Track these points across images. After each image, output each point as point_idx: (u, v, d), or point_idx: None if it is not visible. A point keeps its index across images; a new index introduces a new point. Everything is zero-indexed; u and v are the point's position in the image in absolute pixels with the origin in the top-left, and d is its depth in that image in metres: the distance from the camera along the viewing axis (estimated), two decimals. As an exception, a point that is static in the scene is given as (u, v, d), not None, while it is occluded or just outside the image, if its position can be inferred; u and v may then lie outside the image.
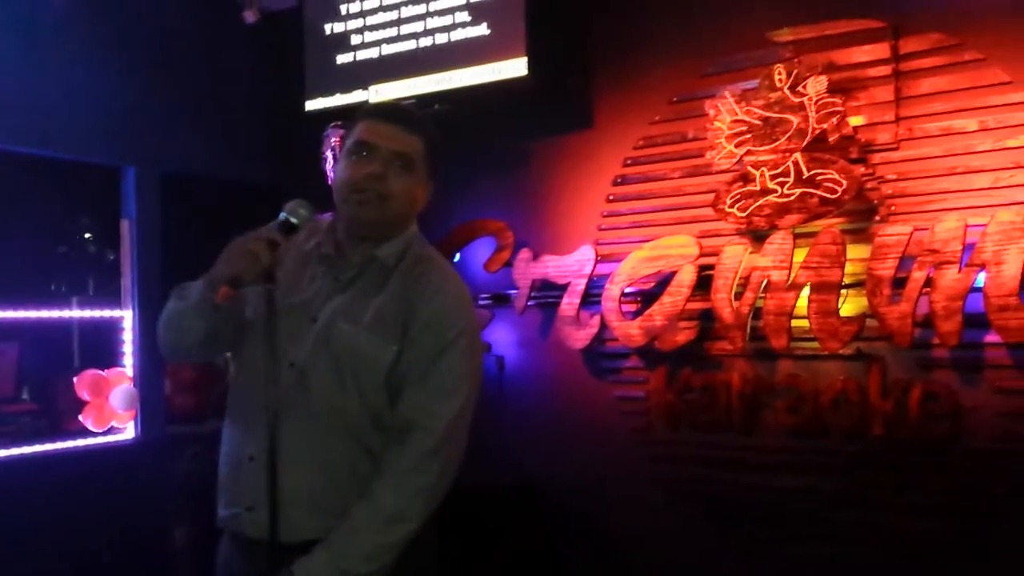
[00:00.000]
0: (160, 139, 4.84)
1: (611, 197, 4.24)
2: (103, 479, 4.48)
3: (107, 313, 4.75)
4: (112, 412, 4.56)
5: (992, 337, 3.25)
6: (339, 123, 4.50)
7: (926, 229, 3.34)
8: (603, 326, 4.11)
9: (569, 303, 4.20)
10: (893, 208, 3.52)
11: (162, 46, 4.89)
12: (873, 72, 3.57)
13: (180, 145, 4.94)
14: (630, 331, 4.01)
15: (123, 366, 4.71)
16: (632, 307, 4.08)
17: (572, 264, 4.21)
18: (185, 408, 5.13)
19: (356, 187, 2.03)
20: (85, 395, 4.50)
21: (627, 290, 4.05)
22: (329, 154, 4.48)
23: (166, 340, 2.16)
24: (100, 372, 4.56)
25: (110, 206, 4.85)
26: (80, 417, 4.50)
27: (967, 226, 3.26)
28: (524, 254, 4.37)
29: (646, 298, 4.03)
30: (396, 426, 2.02)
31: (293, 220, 2.02)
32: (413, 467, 1.98)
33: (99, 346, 4.82)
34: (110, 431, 4.61)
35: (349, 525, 1.96)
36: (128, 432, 4.71)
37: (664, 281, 3.95)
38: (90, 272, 5.26)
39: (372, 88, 4.64)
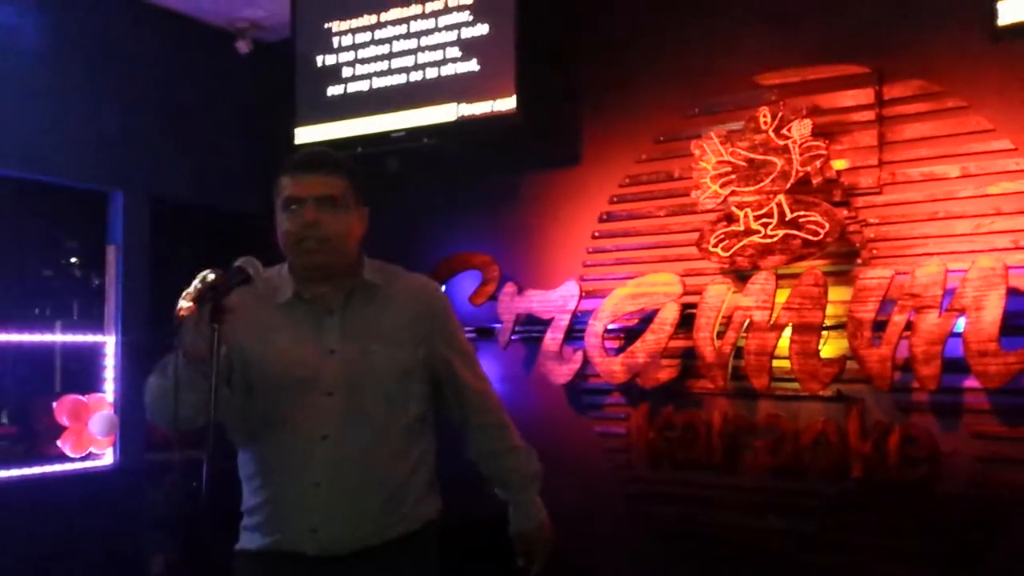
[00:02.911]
0: (148, 165, 4.86)
1: (596, 234, 4.26)
2: (81, 505, 4.45)
3: (90, 338, 4.73)
4: (91, 438, 4.54)
5: (971, 382, 3.27)
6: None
7: (907, 273, 3.37)
8: (586, 362, 4.12)
9: (553, 338, 4.21)
10: (875, 251, 3.55)
11: (154, 73, 4.93)
12: (857, 117, 3.62)
13: (168, 171, 4.95)
14: (613, 367, 4.02)
15: (104, 391, 4.69)
16: (615, 344, 4.10)
17: (556, 299, 4.23)
18: (167, 435, 5.10)
19: (296, 238, 2.21)
20: (64, 420, 4.48)
21: (610, 326, 4.07)
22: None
23: (163, 417, 2.17)
24: (80, 397, 4.54)
25: (96, 231, 4.85)
26: (59, 442, 4.48)
27: (948, 271, 3.29)
28: (509, 288, 4.38)
29: (629, 335, 4.04)
30: (479, 397, 2.45)
31: (248, 269, 2.11)
32: (499, 416, 2.49)
33: (81, 371, 4.80)
34: (88, 457, 4.58)
35: (520, 475, 2.48)
36: (107, 458, 4.69)
37: (647, 318, 3.96)
38: (75, 296, 5.26)
39: (361, 120, 4.66)
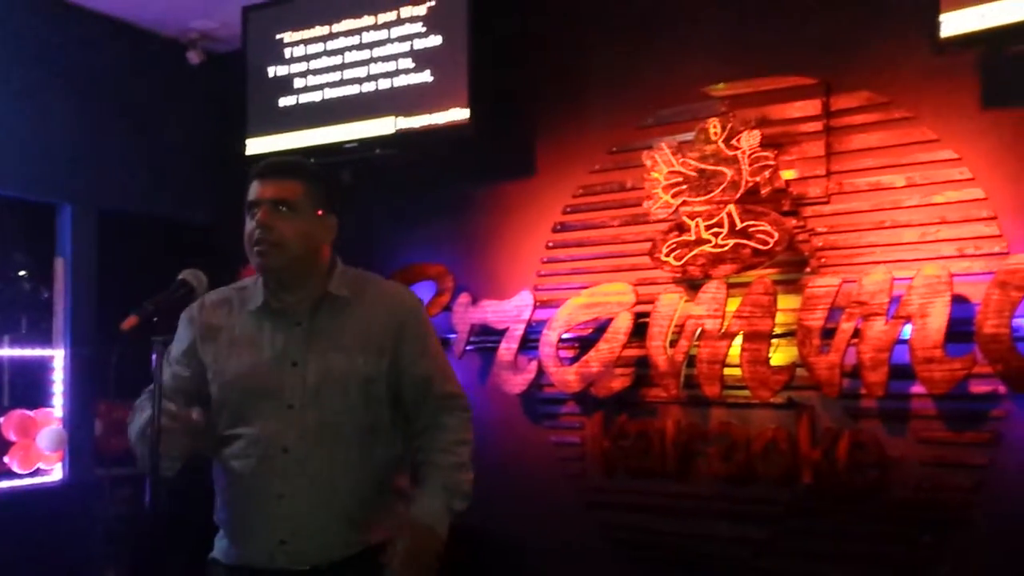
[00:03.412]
0: (98, 177, 4.81)
1: (550, 244, 4.28)
2: (30, 521, 4.38)
3: (38, 352, 4.66)
4: (39, 453, 4.47)
5: (917, 388, 3.32)
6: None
7: (854, 281, 3.42)
8: (540, 371, 4.13)
9: (507, 348, 4.22)
10: (823, 260, 3.60)
11: (103, 85, 4.87)
12: (805, 127, 3.67)
13: (118, 183, 4.90)
14: (567, 377, 4.03)
15: (52, 406, 4.62)
16: (569, 353, 4.11)
17: (511, 309, 4.24)
18: (117, 450, 5.03)
19: (251, 241, 2.23)
20: (12, 435, 4.40)
21: (564, 336, 4.08)
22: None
23: (144, 466, 2.16)
24: (27, 412, 4.47)
25: (45, 244, 4.79)
26: (6, 458, 4.40)
27: (894, 279, 3.35)
28: (463, 298, 4.39)
29: (583, 344, 4.06)
30: (431, 406, 2.35)
31: (191, 282, 2.17)
32: (454, 416, 2.37)
33: (29, 385, 4.72)
34: (37, 472, 4.51)
35: (439, 474, 2.28)
36: (56, 474, 4.61)
37: (601, 328, 3.98)
38: (23, 310, 5.17)
39: (313, 131, 4.65)
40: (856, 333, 3.38)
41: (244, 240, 2.25)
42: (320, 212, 2.29)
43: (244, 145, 4.84)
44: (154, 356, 2.07)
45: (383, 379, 2.29)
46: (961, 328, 3.23)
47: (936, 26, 3.26)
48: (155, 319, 2.09)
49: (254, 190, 2.25)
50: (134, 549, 4.76)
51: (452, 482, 2.29)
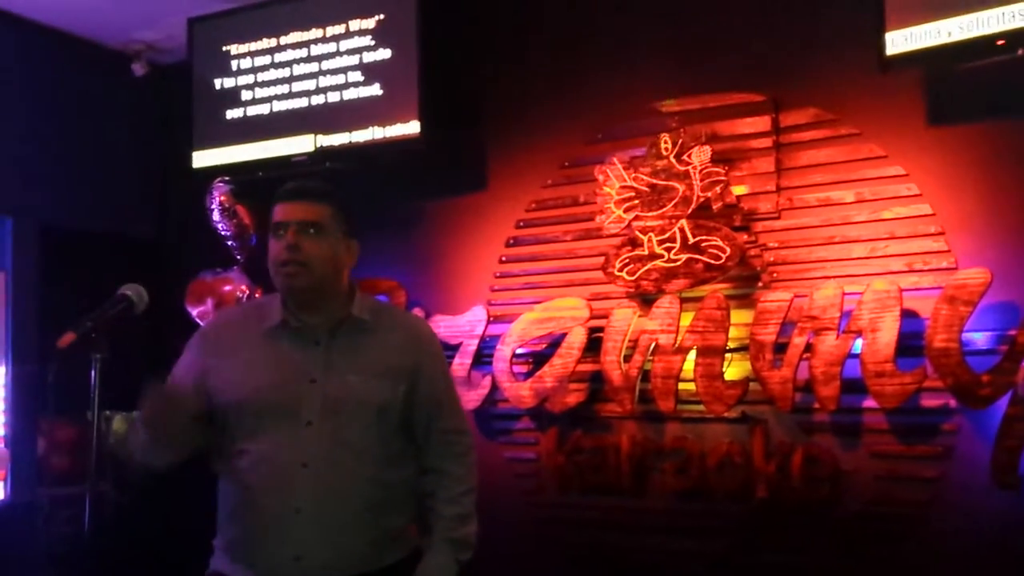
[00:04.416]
0: (40, 190, 4.71)
1: (503, 258, 4.27)
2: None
3: (-22, 370, 4.55)
4: (-20, 475, 4.35)
5: (869, 402, 3.35)
6: (225, 178, 4.44)
7: (806, 296, 3.45)
8: (494, 387, 4.11)
9: (461, 363, 4.19)
10: (775, 275, 3.63)
11: (46, 96, 4.78)
12: (755, 144, 3.70)
13: (61, 197, 4.81)
14: (521, 392, 4.02)
15: (-7, 426, 4.51)
16: (523, 368, 4.10)
17: (464, 324, 4.21)
18: (60, 469, 4.92)
19: (279, 261, 2.30)
20: (-49, 458, 4.29)
21: (518, 351, 4.07)
22: (216, 209, 4.40)
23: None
24: (-32, 434, 4.36)
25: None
26: (-54, 481, 4.29)
27: (844, 294, 3.38)
28: (416, 314, 4.35)
29: (537, 359, 4.05)
30: (435, 442, 2.44)
31: (131, 295, 2.24)
32: (460, 463, 2.48)
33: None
34: (-23, 494, 4.40)
35: (444, 527, 2.38)
36: (-3, 495, 4.50)
37: (555, 343, 3.98)
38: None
39: (261, 144, 4.58)
40: (808, 347, 3.41)
41: (269, 262, 2.33)
42: (344, 236, 2.38)
43: (190, 158, 4.76)
44: (92, 373, 2.06)
45: (398, 405, 2.36)
46: (911, 342, 3.27)
47: (882, 45, 3.30)
48: (93, 335, 2.09)
49: (282, 211, 2.33)
50: (78, 571, 4.66)
51: (458, 535, 2.41)
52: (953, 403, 3.25)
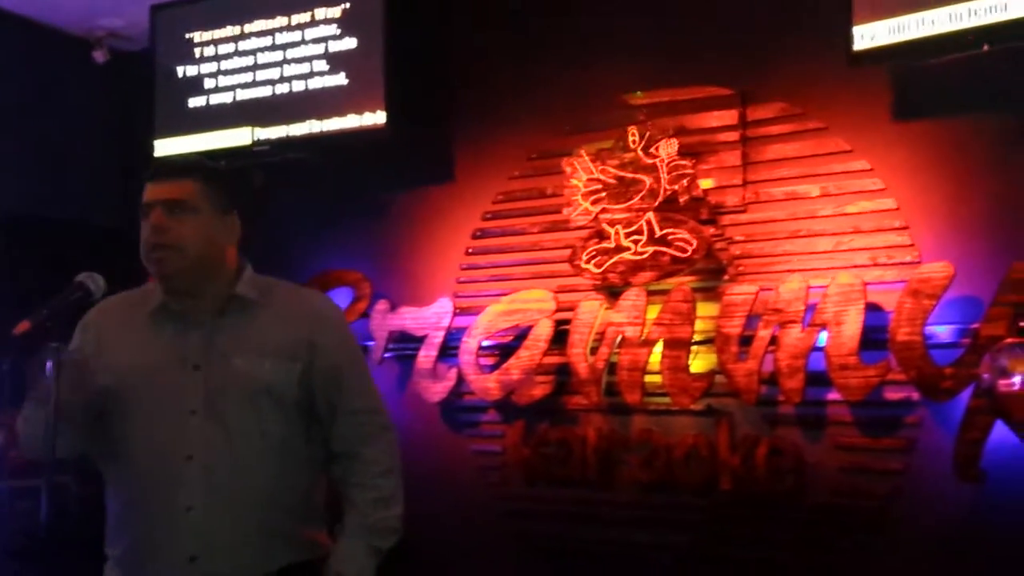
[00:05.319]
0: (0, 177, 4.61)
1: (470, 250, 4.25)
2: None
3: (-67, 363, 4.45)
4: (-64, 470, 4.27)
5: (833, 395, 3.38)
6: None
7: (771, 289, 3.47)
8: (460, 379, 4.10)
9: (426, 355, 4.17)
10: (741, 268, 3.64)
11: (5, 83, 4.68)
12: (722, 137, 3.71)
13: (21, 184, 4.72)
14: (487, 385, 4.01)
15: (-51, 420, 4.42)
16: (489, 360, 4.08)
17: (430, 316, 4.19)
18: (17, 461, 4.85)
19: (147, 246, 2.13)
20: (-94, 452, 4.21)
21: (485, 343, 4.06)
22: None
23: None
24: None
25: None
26: (-100, 475, 4.21)
27: (809, 287, 3.40)
28: (381, 305, 4.33)
29: (503, 352, 4.03)
30: (342, 424, 2.23)
31: (88, 284, 2.11)
32: (371, 444, 2.26)
33: (-77, 398, 4.51)
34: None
35: (357, 512, 2.20)
36: (-49, 490, 4.42)
37: (521, 335, 3.97)
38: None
39: (224, 133, 4.53)
40: (773, 340, 3.43)
41: (140, 247, 2.15)
42: (220, 212, 2.18)
43: (152, 146, 4.69)
44: (49, 363, 2.00)
45: (293, 386, 2.17)
46: (875, 336, 3.29)
47: (849, 39, 3.32)
48: (49, 324, 2.03)
49: (147, 192, 2.14)
50: (38, 564, 4.59)
51: (374, 520, 2.21)
52: (916, 396, 3.28)
